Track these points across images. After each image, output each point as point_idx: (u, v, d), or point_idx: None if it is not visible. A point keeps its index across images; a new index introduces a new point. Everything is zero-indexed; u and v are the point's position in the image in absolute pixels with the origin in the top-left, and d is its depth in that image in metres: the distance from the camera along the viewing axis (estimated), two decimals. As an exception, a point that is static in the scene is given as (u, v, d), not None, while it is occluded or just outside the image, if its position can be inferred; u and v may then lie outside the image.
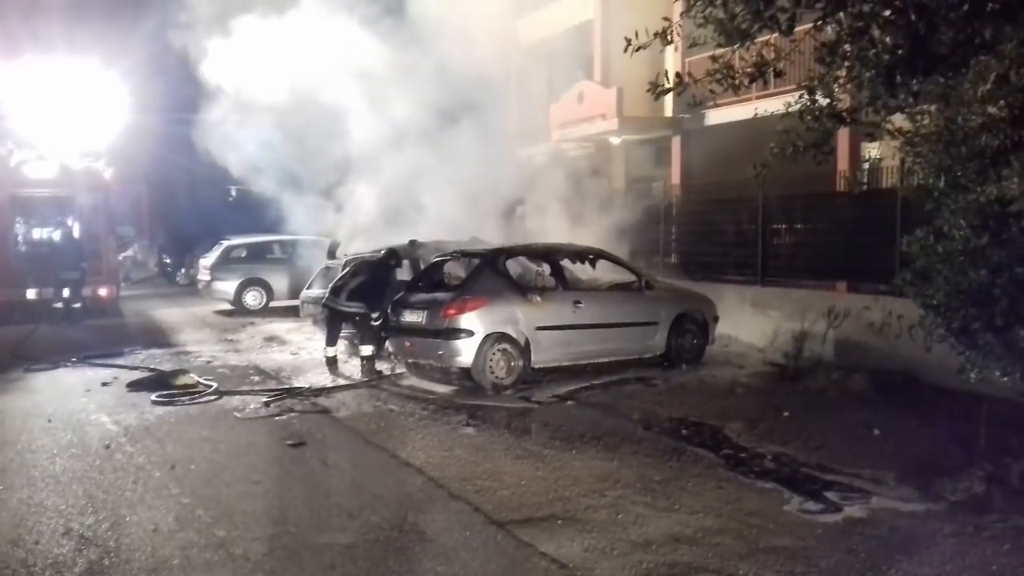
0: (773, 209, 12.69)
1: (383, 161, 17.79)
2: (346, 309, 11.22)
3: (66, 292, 16.54)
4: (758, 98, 12.27)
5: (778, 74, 6.44)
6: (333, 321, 11.46)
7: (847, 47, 6.35)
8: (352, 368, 11.28)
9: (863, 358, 10.28)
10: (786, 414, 8.35)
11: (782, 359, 10.78)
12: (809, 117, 6.65)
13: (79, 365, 12.06)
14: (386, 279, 11.34)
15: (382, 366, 11.18)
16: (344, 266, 12.50)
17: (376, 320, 11.02)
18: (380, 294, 11.15)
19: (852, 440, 7.43)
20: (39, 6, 22.84)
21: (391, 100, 17.40)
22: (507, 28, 19.65)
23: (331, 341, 11.44)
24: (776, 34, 6.34)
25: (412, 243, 12.99)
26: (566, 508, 5.89)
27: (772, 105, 7.94)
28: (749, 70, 6.38)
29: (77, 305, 16.61)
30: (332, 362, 11.31)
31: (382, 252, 11.77)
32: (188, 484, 6.57)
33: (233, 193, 24.26)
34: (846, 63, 6.39)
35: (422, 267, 11.95)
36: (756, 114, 7.99)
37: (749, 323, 12.33)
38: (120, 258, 22.44)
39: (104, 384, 10.68)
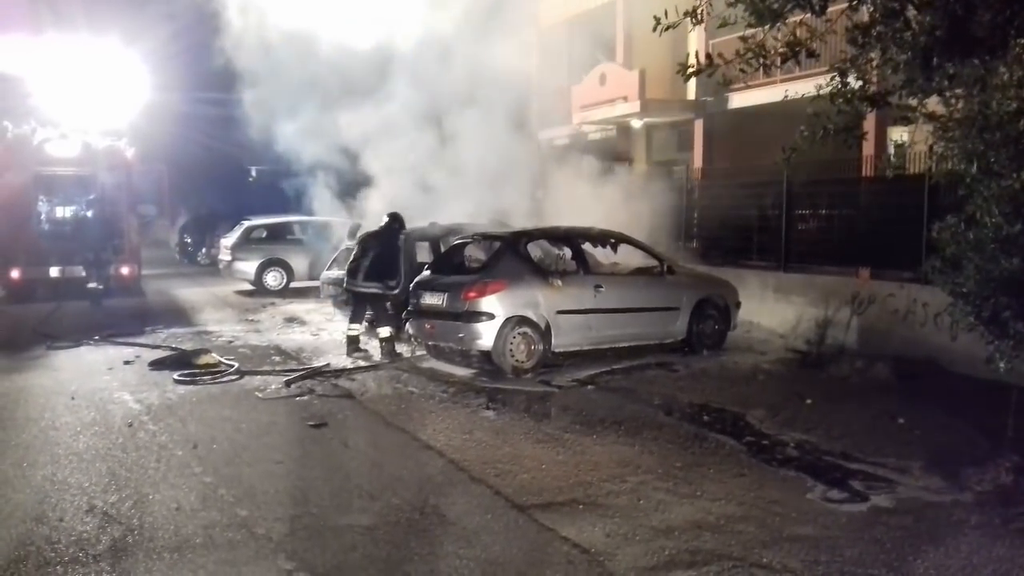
0: (797, 194, 12.55)
1: (404, 143, 17.74)
2: (364, 290, 11.22)
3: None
4: (787, 80, 12.14)
5: (811, 54, 6.31)
6: (358, 302, 11.47)
7: (881, 28, 6.23)
8: (373, 349, 11.28)
9: (887, 346, 10.18)
10: (809, 401, 8.28)
11: (805, 346, 10.69)
12: (841, 100, 6.53)
13: (101, 343, 12.14)
14: (395, 246, 11.38)
15: (402, 348, 11.18)
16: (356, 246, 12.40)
17: (394, 290, 11.05)
18: (394, 267, 11.20)
19: (876, 428, 7.35)
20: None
21: (412, 81, 17.34)
22: (528, 9, 19.50)
23: (355, 319, 11.44)
24: (808, 14, 6.22)
25: (432, 225, 12.95)
26: (587, 493, 5.87)
27: (802, 88, 7.83)
28: (782, 50, 6.25)
29: (100, 287, 16.45)
30: (353, 341, 11.29)
31: (384, 221, 11.71)
32: (210, 463, 6.60)
33: (253, 173, 24.33)
34: (880, 45, 6.26)
35: (442, 250, 11.92)
36: (787, 96, 7.87)
37: (771, 309, 12.23)
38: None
39: (126, 363, 10.75)
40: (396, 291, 11.11)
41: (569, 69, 21.01)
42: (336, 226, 18.80)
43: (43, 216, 18.23)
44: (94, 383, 9.59)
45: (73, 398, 8.83)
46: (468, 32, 16.88)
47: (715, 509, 5.55)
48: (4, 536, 5.16)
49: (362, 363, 10.62)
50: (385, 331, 11.05)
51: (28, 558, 4.86)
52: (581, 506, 5.62)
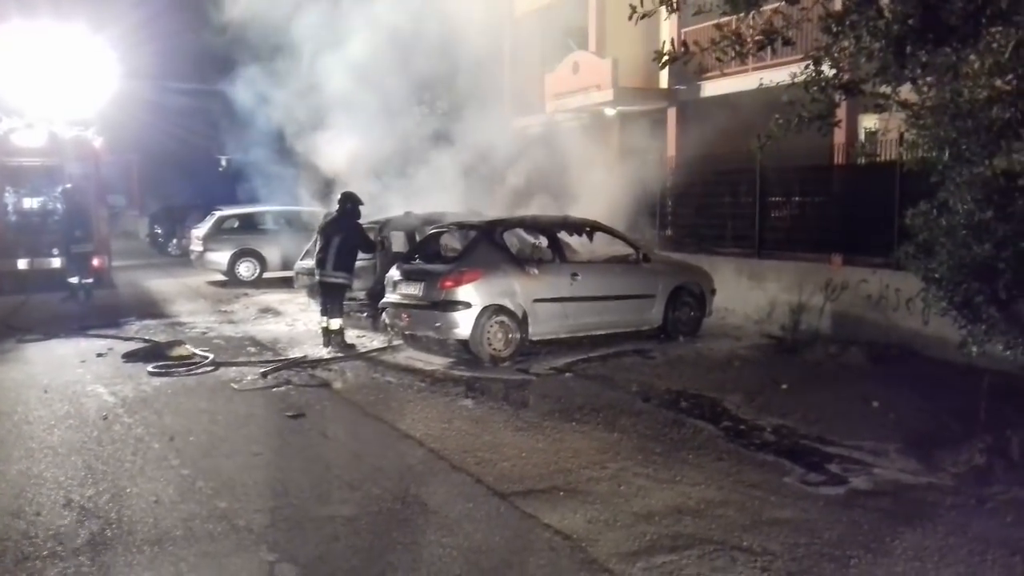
0: (770, 181, 12.65)
1: (376, 131, 17.64)
2: (333, 280, 11.05)
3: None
4: (760, 68, 12.19)
5: (787, 43, 6.36)
6: (326, 293, 11.21)
7: (855, 16, 6.28)
8: (350, 339, 11.21)
9: (860, 331, 10.31)
10: (784, 386, 8.37)
11: (779, 332, 10.79)
12: (815, 88, 6.58)
13: (73, 336, 11.98)
14: (353, 227, 11.14)
15: (379, 338, 11.13)
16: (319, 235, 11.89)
17: (350, 280, 11.10)
18: (352, 255, 11.06)
19: (851, 412, 7.45)
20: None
21: (383, 68, 17.22)
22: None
23: (326, 312, 11.25)
24: (783, 2, 6.26)
25: (407, 215, 12.91)
26: (567, 480, 5.90)
27: (776, 76, 7.86)
28: (758, 38, 6.29)
29: (89, 280, 15.75)
30: (327, 332, 11.18)
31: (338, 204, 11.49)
32: (188, 456, 6.54)
33: (224, 163, 24.09)
34: (853, 33, 6.31)
35: (418, 239, 11.88)
36: (761, 84, 7.91)
37: (746, 296, 12.34)
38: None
39: (99, 355, 10.61)
40: (350, 281, 11.10)
41: (542, 57, 20.96)
42: (309, 216, 18.68)
43: (10, 208, 17.89)
44: (67, 376, 9.47)
45: (46, 391, 8.72)
46: (441, 19, 16.80)
47: (695, 494, 5.60)
48: (-20, 532, 5.10)
49: (338, 353, 10.55)
50: (336, 323, 10.96)
51: (6, 553, 4.80)
52: (562, 493, 5.65)
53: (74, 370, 9.81)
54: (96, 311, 14.20)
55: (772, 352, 10.15)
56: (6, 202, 17.71)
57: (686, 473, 6.01)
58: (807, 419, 7.27)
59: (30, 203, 17.74)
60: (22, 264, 16.39)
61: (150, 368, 9.61)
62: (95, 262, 17.42)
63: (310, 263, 13.99)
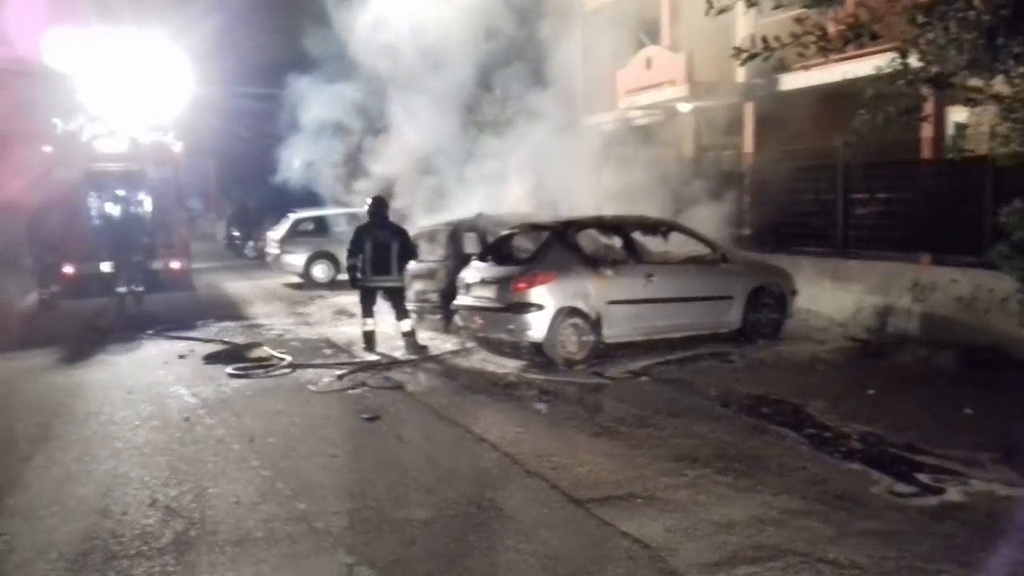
0: (854, 177, 12.23)
1: (445, 130, 17.74)
2: (397, 284, 11.15)
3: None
4: (843, 60, 11.80)
5: (874, 36, 6.12)
6: (390, 297, 11.24)
7: (943, 7, 6.02)
8: (423, 341, 11.25)
9: (951, 334, 9.88)
10: (871, 392, 8.06)
11: (864, 334, 10.41)
12: (902, 82, 6.33)
13: (155, 338, 12.34)
14: (401, 231, 11.30)
15: (451, 341, 11.16)
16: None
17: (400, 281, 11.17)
18: (405, 259, 11.16)
19: (942, 419, 7.12)
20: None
21: (454, 66, 17.31)
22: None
23: (370, 315, 11.19)
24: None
25: (479, 216, 12.92)
26: (645, 487, 5.77)
27: (859, 68, 7.58)
28: (842, 29, 6.07)
29: (140, 288, 15.70)
30: (371, 337, 11.06)
31: (367, 204, 11.59)
32: (267, 457, 6.64)
33: (298, 166, 24.56)
34: (942, 24, 6.05)
35: (490, 240, 11.87)
36: (845, 78, 7.64)
37: (829, 297, 11.96)
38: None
39: (181, 357, 10.90)
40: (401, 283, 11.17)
41: (614, 53, 20.75)
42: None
43: (93, 212, 18.52)
44: (150, 377, 9.74)
45: (130, 392, 8.97)
46: (512, 16, 16.80)
47: (777, 503, 5.42)
48: (71, 530, 5.25)
49: (411, 356, 10.61)
50: (407, 324, 11.01)
51: (95, 551, 4.93)
52: (639, 500, 5.53)
53: (157, 371, 10.09)
54: (178, 313, 14.58)
55: (857, 356, 9.80)
56: (90, 206, 18.34)
57: (768, 481, 5.82)
58: (895, 426, 6.98)
59: (113, 207, 18.33)
60: (105, 267, 16.84)
61: (230, 370, 9.82)
62: (175, 265, 17.94)
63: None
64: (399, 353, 10.73)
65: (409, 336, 11.00)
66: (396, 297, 11.18)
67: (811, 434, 6.93)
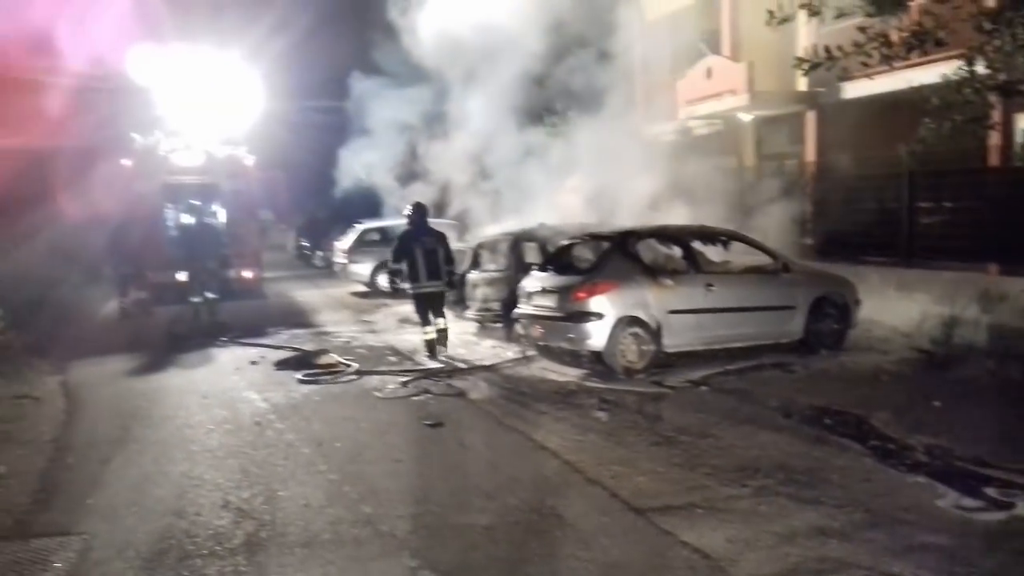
0: (920, 186, 12.04)
1: (506, 140, 17.92)
2: (443, 289, 11.54)
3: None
4: (907, 68, 11.65)
5: (939, 44, 6.07)
6: (432, 302, 11.48)
7: (1010, 13, 5.94)
8: (484, 349, 11.42)
9: (1021, 345, 9.63)
10: (937, 404, 7.92)
11: (930, 345, 10.21)
12: (968, 89, 6.25)
13: (228, 344, 12.73)
14: (443, 236, 11.66)
15: (512, 349, 11.29)
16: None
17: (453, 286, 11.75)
18: (448, 261, 11.51)
19: (1011, 433, 6.97)
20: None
21: (515, 75, 17.48)
22: (632, 3, 19.37)
23: (430, 322, 11.47)
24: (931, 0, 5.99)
25: (540, 225, 13.04)
26: (705, 497, 5.79)
27: (924, 75, 7.49)
28: (907, 38, 6.03)
29: (215, 296, 15.56)
30: (434, 345, 11.36)
31: (407, 211, 11.87)
32: (335, 461, 6.83)
33: (365, 177, 25.08)
34: (1010, 31, 5.97)
35: (551, 249, 11.97)
36: (909, 85, 7.55)
37: (893, 307, 11.75)
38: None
39: (252, 363, 11.24)
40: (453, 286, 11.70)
41: (674, 63, 20.73)
42: (447, 228, 19.10)
43: (169, 223, 19.16)
44: (224, 382, 10.08)
45: (205, 397, 9.29)
46: (573, 26, 16.91)
47: (840, 516, 5.39)
48: (148, 530, 5.47)
49: (475, 364, 10.76)
50: (442, 323, 11.38)
51: (170, 551, 5.14)
52: (700, 510, 5.56)
53: (230, 377, 10.42)
54: (250, 320, 14.98)
55: (922, 367, 9.62)
56: (167, 217, 18.98)
57: (831, 493, 5.79)
58: (962, 439, 6.85)
59: (188, 218, 18.92)
60: (181, 276, 17.35)
61: (299, 376, 10.09)
62: (248, 274, 18.41)
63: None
64: (459, 362, 10.90)
65: (441, 332, 11.34)
66: (440, 300, 11.55)
67: (875, 446, 6.85)
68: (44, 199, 18.72)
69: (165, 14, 21.12)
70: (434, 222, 12.37)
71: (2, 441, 7.59)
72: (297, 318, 15.76)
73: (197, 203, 17.07)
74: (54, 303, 15.28)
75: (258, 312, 16.53)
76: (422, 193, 20.01)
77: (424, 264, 11.32)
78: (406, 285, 11.56)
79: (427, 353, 11.26)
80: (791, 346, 10.57)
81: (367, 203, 24.39)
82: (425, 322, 11.41)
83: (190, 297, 15.33)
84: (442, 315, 11.50)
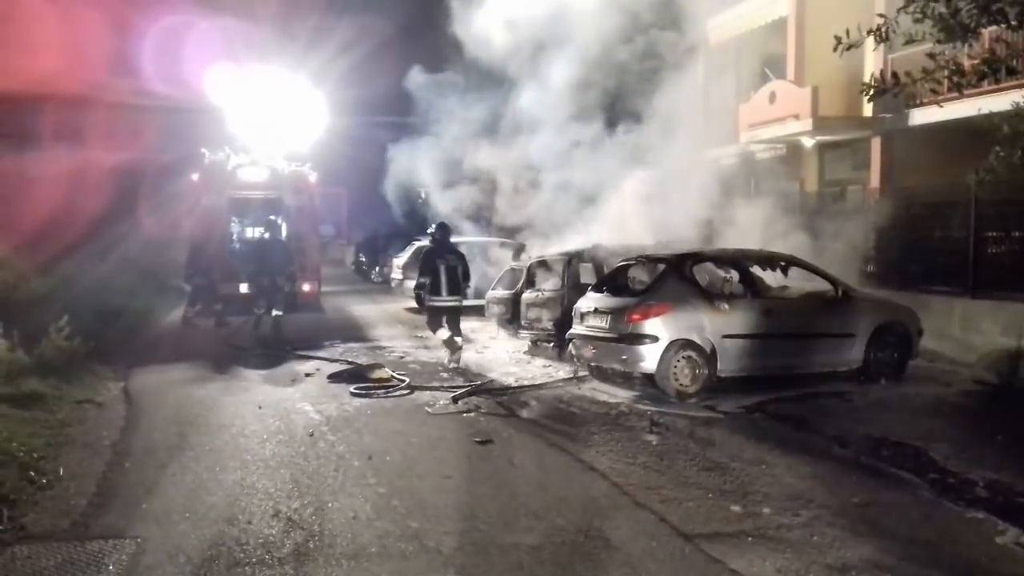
0: (987, 215, 11.72)
1: (568, 162, 17.94)
2: (462, 304, 12.35)
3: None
4: (977, 95, 11.40)
5: (1011, 72, 5.93)
6: (452, 315, 12.27)
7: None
8: (536, 368, 11.42)
9: (1091, 381, 9.30)
10: (1000, 438, 7.67)
11: (994, 378, 9.90)
12: (1041, 117, 6.10)
13: (285, 356, 12.94)
14: (463, 255, 12.48)
15: (564, 368, 11.29)
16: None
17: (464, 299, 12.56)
18: (466, 278, 12.33)
19: (1079, 471, 6.73)
20: (250, 18, 24.67)
21: (578, 98, 17.55)
22: (697, 27, 19.32)
23: (459, 332, 12.40)
24: (1002, 27, 5.86)
25: (596, 246, 13.03)
26: (756, 525, 5.70)
27: (995, 103, 7.32)
28: (977, 65, 5.90)
29: (280, 312, 15.31)
30: (457, 347, 12.07)
31: (432, 229, 12.92)
32: (384, 475, 6.88)
33: (423, 195, 25.36)
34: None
35: (606, 271, 11.95)
36: (979, 113, 7.37)
37: (956, 338, 11.46)
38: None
39: (307, 375, 11.42)
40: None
41: (737, 87, 20.58)
42: (501, 247, 19.23)
43: (235, 236, 19.63)
44: (279, 394, 10.24)
45: (260, 407, 9.45)
46: (637, 50, 16.93)
47: (896, 549, 5.25)
48: (199, 536, 5.55)
49: (525, 382, 10.77)
50: (457, 338, 12.03)
51: (220, 558, 5.20)
52: (750, 539, 5.47)
53: (285, 388, 10.60)
54: (307, 333, 15.23)
55: (986, 400, 9.33)
56: (232, 231, 19.46)
57: (886, 526, 5.65)
58: (1026, 475, 6.65)
59: (253, 232, 19.39)
60: (244, 288, 17.72)
61: (352, 389, 10.21)
62: (307, 288, 18.74)
63: (501, 292, 14.51)
64: (510, 379, 10.92)
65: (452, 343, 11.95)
66: (457, 315, 12.32)
67: (934, 479, 6.66)
68: (123, 213, 19.39)
69: (237, 37, 21.79)
70: (486, 240, 13.28)
71: (63, 444, 7.79)
72: (353, 332, 15.97)
73: (272, 218, 17.55)
74: (123, 312, 15.70)
75: (315, 325, 16.80)
76: (477, 208, 20.29)
77: (446, 280, 12.13)
78: (427, 297, 12.37)
79: (448, 353, 11.95)
80: (850, 374, 10.36)
81: (428, 221, 24.66)
82: (437, 329, 12.24)
83: (254, 309, 15.62)
84: (458, 332, 12.18)
